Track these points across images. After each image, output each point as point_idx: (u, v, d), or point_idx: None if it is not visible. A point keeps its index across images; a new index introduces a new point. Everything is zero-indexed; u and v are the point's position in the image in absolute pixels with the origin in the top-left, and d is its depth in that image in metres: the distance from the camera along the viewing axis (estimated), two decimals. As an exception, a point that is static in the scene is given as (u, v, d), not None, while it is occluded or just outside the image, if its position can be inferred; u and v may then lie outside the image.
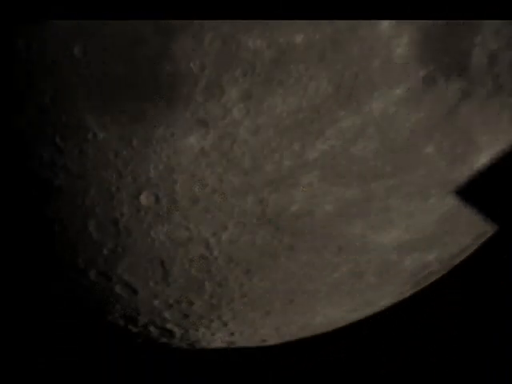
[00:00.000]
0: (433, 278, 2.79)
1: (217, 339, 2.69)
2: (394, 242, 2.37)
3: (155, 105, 1.99)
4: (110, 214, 2.19)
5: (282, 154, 2.08)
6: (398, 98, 2.04)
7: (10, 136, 2.09)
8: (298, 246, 2.29)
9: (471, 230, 2.52)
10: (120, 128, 2.04)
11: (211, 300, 2.44)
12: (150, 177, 2.11)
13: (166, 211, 2.17)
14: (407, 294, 2.82)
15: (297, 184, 2.13)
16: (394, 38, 1.97)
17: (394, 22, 1.95)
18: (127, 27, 1.92)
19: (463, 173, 2.25)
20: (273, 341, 2.84)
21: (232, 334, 2.66)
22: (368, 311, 2.82)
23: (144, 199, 2.15)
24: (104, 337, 2.81)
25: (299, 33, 1.93)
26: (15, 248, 2.35)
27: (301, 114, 2.02)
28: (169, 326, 2.57)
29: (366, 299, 2.64)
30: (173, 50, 1.93)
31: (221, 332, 2.63)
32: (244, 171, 2.10)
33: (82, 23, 1.92)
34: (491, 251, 3.11)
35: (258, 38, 1.92)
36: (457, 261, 2.74)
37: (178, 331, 2.61)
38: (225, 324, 2.58)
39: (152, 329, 2.60)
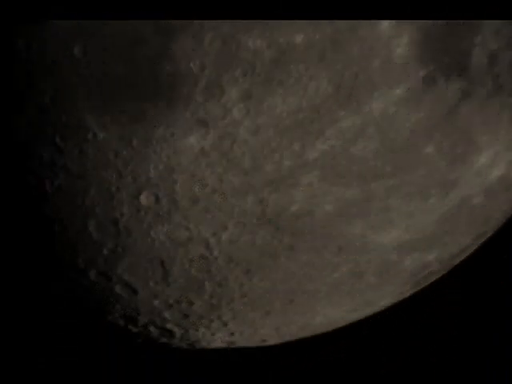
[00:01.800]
0: (433, 278, 2.79)
1: (217, 339, 2.69)
2: (394, 242, 2.37)
3: (155, 105, 1.99)
4: (110, 214, 2.19)
5: (282, 154, 2.08)
6: (398, 98, 2.04)
7: (10, 136, 2.09)
8: (298, 245, 2.29)
9: (471, 230, 2.52)
10: (120, 128, 2.04)
11: (211, 300, 2.44)
12: (149, 177, 2.11)
13: (166, 211, 2.17)
14: (407, 294, 2.82)
15: (297, 184, 2.13)
16: (394, 38, 1.97)
17: (393, 22, 1.95)
18: (127, 27, 1.92)
19: (463, 173, 2.25)
20: (273, 341, 2.84)
21: (232, 334, 2.66)
22: (368, 311, 2.82)
23: (144, 199, 2.15)
24: (104, 337, 2.81)
25: (299, 33, 1.93)
26: (15, 248, 2.35)
27: (301, 114, 2.02)
28: (169, 326, 2.57)
29: (366, 299, 2.64)
30: (173, 50, 1.93)
31: (221, 332, 2.63)
32: (244, 171, 2.10)
33: (82, 23, 1.92)
34: (491, 251, 3.11)
35: (258, 37, 1.92)
36: (457, 261, 2.74)
37: (178, 331, 2.61)
38: (225, 324, 2.58)
39: (152, 329, 2.60)
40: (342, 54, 1.96)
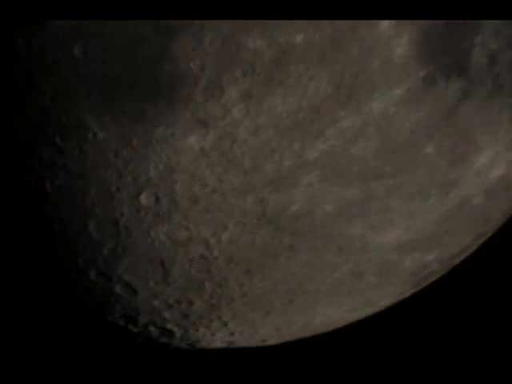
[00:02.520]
0: (433, 278, 2.79)
1: (217, 339, 2.69)
2: (394, 242, 2.37)
3: (155, 105, 1.99)
4: (110, 214, 2.19)
5: (282, 154, 2.08)
6: (398, 98, 2.04)
7: (10, 136, 2.09)
8: (298, 245, 2.29)
9: (471, 230, 2.52)
10: (120, 128, 2.04)
11: (211, 300, 2.44)
12: (149, 177, 2.11)
13: (166, 211, 2.17)
14: (407, 294, 2.82)
15: (297, 184, 2.13)
16: (394, 38, 1.97)
17: (393, 22, 1.95)
18: (127, 27, 1.92)
19: (463, 173, 2.25)
20: (273, 341, 2.84)
21: (232, 334, 2.66)
22: (368, 311, 2.82)
23: (144, 199, 2.15)
24: (104, 337, 2.81)
25: (299, 33, 1.93)
26: (15, 248, 2.35)
27: (301, 114, 2.02)
28: (169, 326, 2.57)
29: (366, 299, 2.64)
30: (173, 50, 1.93)
31: (221, 332, 2.63)
32: (244, 171, 2.10)
33: (82, 23, 1.92)
34: (491, 251, 3.11)
35: (258, 37, 1.92)
36: (457, 261, 2.74)
37: (178, 331, 2.61)
38: (225, 324, 2.58)
39: (152, 329, 2.60)
40: (342, 53, 1.96)
